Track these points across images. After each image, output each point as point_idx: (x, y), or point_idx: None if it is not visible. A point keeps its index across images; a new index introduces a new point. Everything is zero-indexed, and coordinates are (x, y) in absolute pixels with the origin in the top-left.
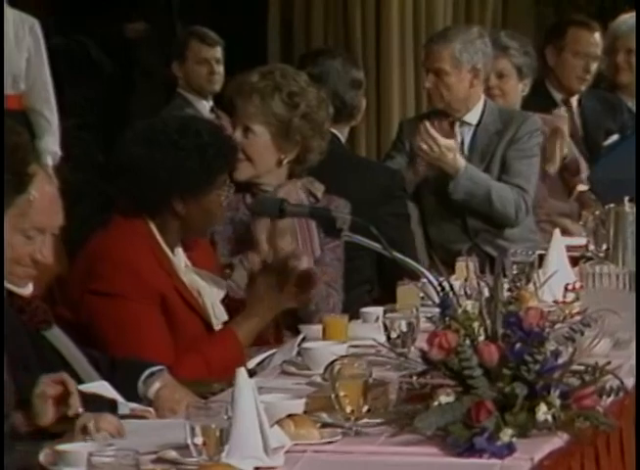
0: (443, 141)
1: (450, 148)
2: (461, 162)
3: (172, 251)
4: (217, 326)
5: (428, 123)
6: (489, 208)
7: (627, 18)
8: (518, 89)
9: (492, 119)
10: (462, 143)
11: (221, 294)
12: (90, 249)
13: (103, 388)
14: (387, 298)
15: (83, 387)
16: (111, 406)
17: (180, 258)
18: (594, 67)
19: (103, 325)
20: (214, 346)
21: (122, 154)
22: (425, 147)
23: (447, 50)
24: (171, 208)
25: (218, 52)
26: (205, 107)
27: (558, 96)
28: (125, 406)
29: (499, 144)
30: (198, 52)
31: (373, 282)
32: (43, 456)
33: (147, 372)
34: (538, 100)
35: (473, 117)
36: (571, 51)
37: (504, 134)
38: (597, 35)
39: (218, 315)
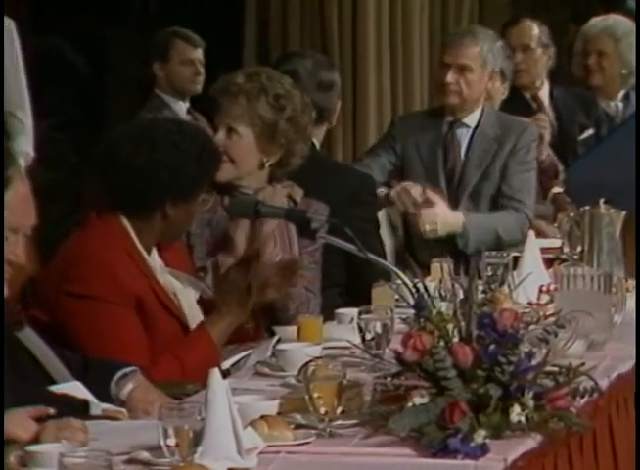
0: (439, 220)
1: (446, 223)
2: (458, 217)
3: (148, 252)
4: (193, 327)
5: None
6: (498, 243)
7: (598, 21)
8: (500, 92)
9: (490, 124)
10: (459, 145)
11: (197, 295)
12: (66, 250)
13: (75, 388)
14: (358, 301)
15: (56, 387)
16: (83, 407)
17: (155, 260)
18: (526, 57)
19: (79, 327)
20: (190, 349)
21: (114, 152)
22: (429, 229)
23: (476, 47)
24: (162, 210)
25: (201, 53)
26: (182, 108)
27: (527, 95)
28: (98, 407)
29: (499, 153)
30: (182, 53)
31: (342, 285)
32: (13, 458)
33: (119, 373)
34: (514, 101)
35: (472, 119)
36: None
37: (504, 144)
38: (522, 27)
39: (195, 316)
